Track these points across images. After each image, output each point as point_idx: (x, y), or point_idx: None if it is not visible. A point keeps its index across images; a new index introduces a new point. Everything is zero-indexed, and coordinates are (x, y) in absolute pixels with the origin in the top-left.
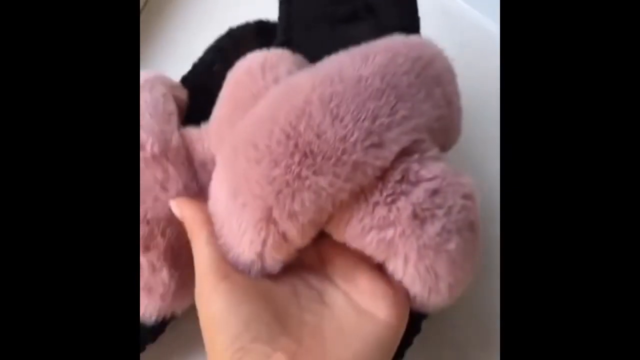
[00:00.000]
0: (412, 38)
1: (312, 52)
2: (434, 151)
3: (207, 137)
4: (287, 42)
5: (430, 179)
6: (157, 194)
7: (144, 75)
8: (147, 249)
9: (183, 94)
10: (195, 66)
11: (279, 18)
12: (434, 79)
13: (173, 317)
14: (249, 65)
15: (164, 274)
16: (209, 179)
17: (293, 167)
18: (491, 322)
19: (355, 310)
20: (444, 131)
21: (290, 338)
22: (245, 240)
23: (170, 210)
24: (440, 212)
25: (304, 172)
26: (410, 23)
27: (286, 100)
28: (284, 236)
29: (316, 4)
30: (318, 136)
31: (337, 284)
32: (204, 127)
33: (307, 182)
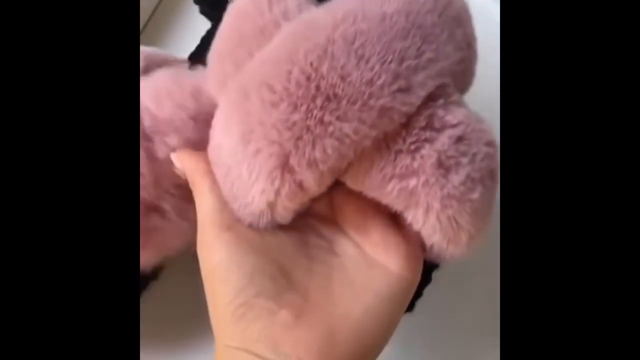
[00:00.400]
0: None
1: None
2: (456, 96)
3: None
4: None
5: (455, 125)
6: None
7: None
8: None
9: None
10: (203, 39)
11: None
12: (455, 19)
13: (153, 275)
14: None
15: None
16: (151, 123)
17: (315, 111)
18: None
19: (367, 262)
20: (464, 74)
21: (297, 293)
22: (256, 189)
23: None
24: (464, 160)
25: (327, 117)
26: None
27: (305, 39)
28: (300, 185)
29: None
30: (342, 78)
31: (349, 234)
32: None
33: (330, 128)
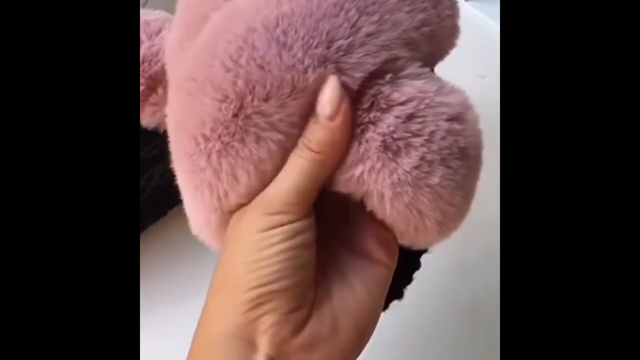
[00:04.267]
0: None
1: None
2: (412, 68)
3: None
4: None
5: (403, 102)
6: None
7: None
8: None
9: None
10: None
11: None
12: None
13: None
14: None
15: None
16: None
17: (235, 102)
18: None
19: (351, 252)
20: (431, 38)
21: (312, 289)
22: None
23: None
24: (417, 141)
25: (247, 107)
26: None
27: (227, 29)
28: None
29: None
30: (261, 67)
31: (327, 219)
32: None
33: (252, 119)
